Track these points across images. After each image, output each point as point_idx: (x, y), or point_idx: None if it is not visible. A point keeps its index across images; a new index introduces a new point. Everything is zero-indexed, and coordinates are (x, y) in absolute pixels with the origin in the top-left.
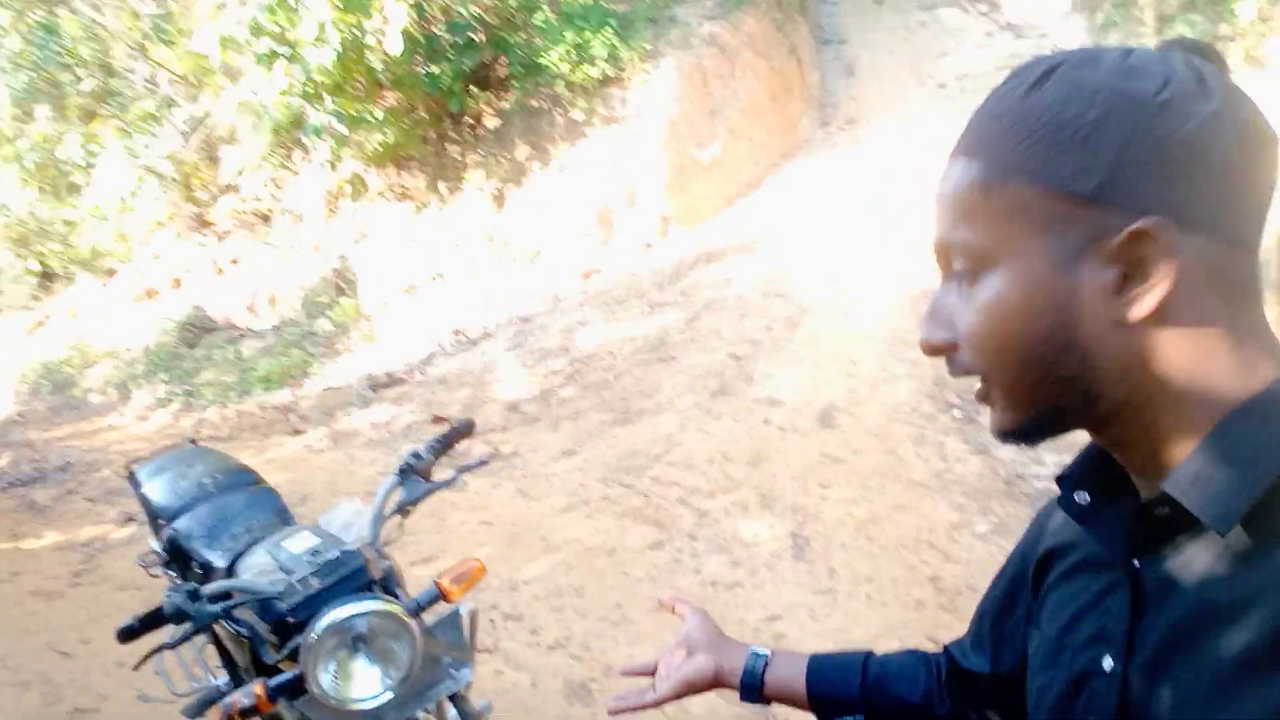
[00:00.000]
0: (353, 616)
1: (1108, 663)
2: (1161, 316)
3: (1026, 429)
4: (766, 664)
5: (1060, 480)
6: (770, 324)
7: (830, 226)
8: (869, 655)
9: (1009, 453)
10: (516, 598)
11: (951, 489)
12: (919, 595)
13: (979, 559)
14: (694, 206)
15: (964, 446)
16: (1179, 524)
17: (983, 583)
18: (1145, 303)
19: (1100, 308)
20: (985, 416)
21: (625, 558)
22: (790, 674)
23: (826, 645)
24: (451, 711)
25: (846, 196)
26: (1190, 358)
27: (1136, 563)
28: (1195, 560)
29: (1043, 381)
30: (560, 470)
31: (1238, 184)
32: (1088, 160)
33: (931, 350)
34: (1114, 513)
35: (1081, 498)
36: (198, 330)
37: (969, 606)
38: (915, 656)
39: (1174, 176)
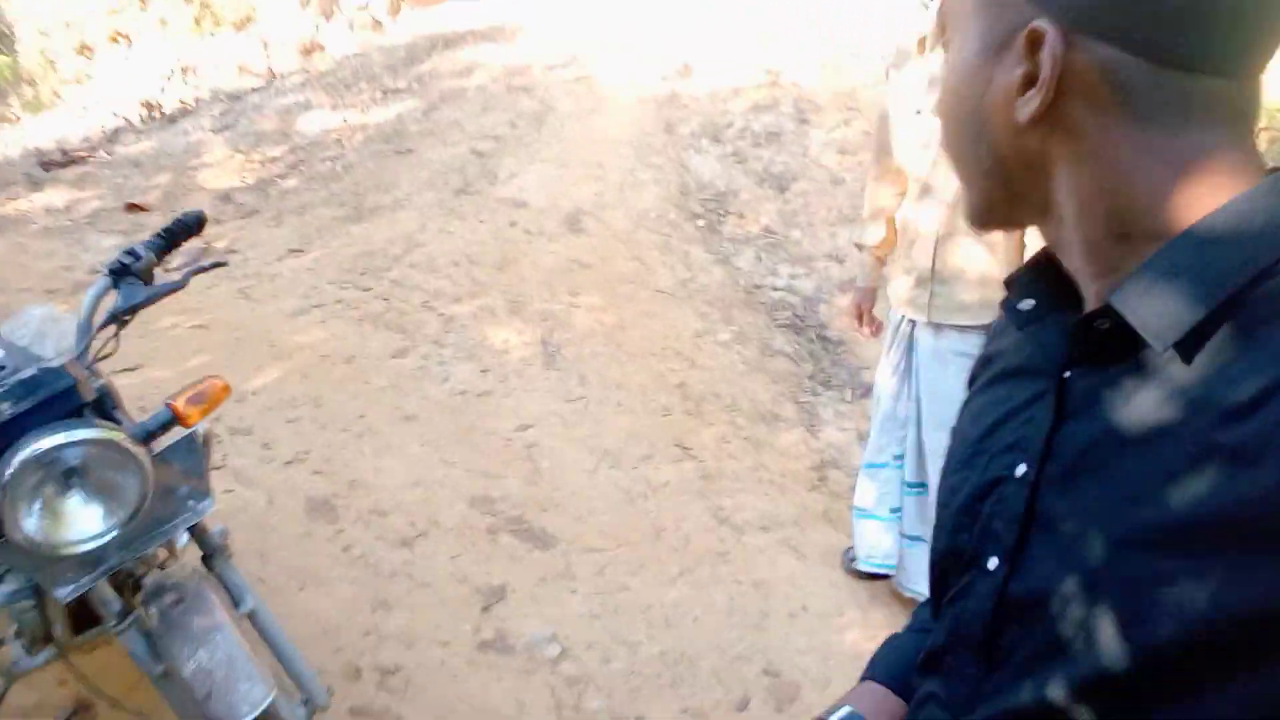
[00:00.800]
0: (60, 447)
1: (1021, 468)
2: (1061, 125)
3: (977, 213)
4: None
5: (1007, 284)
6: (515, 119)
7: (578, 16)
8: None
9: (748, 263)
10: (243, 409)
11: (696, 297)
12: (666, 401)
13: (722, 366)
14: None
15: (707, 256)
16: (1117, 339)
17: (726, 389)
18: (1030, 106)
19: (1002, 105)
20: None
21: (366, 365)
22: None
23: (579, 452)
24: (183, 540)
25: None
26: (1109, 173)
27: (1067, 374)
28: (1126, 377)
29: (971, 168)
30: (287, 270)
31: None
32: None
33: None
34: (1055, 322)
35: (1025, 304)
36: None
37: (713, 412)
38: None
39: None
